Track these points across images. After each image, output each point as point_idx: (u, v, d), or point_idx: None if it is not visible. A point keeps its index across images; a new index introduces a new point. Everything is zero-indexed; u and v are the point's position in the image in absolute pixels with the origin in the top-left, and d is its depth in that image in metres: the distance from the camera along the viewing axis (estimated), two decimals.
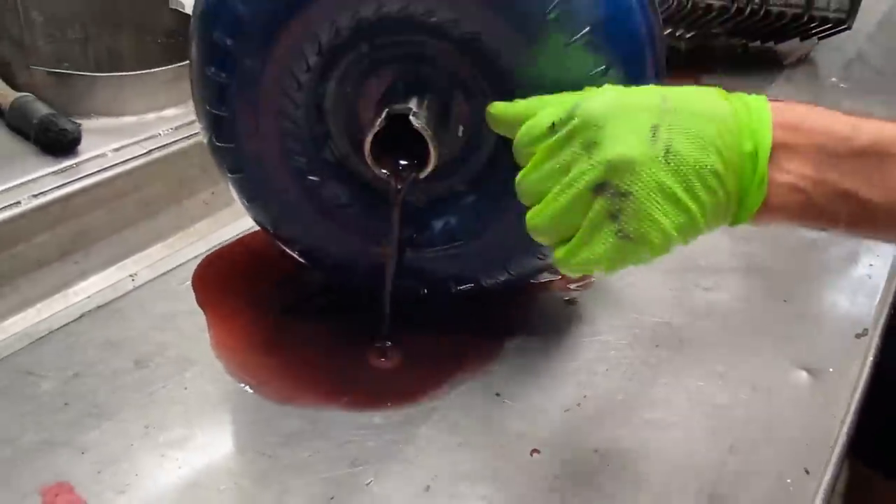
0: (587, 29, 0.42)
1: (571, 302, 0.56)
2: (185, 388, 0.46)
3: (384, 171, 0.45)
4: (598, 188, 0.36)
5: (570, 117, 0.37)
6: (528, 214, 0.39)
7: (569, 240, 0.38)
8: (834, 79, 1.01)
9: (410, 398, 0.47)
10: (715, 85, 0.39)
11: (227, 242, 0.63)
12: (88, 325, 0.52)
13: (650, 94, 0.37)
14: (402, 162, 0.45)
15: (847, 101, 0.95)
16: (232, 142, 0.48)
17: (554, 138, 0.37)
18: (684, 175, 0.36)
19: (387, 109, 0.43)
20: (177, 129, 0.68)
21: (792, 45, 1.06)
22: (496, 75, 0.44)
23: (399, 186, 0.45)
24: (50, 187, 0.59)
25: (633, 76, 0.43)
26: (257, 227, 0.55)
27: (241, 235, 0.64)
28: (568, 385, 0.49)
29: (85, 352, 0.49)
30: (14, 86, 0.67)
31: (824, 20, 0.96)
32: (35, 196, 0.58)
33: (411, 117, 0.43)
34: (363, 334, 0.51)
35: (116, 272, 0.62)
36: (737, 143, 0.36)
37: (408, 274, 0.50)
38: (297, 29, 0.44)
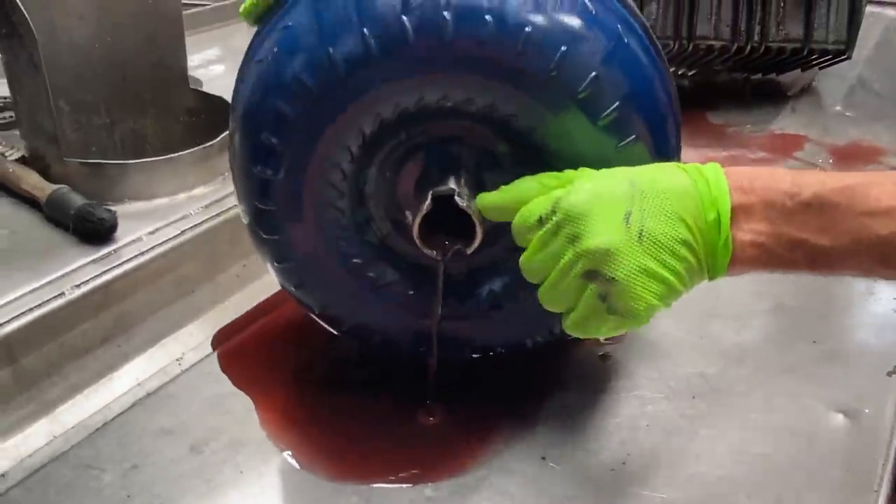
0: (615, 105, 0.44)
1: (606, 357, 0.58)
2: (241, 472, 0.48)
3: (433, 250, 0.47)
4: (588, 275, 0.41)
5: (553, 212, 0.42)
6: (538, 292, 0.44)
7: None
8: (838, 107, 1.03)
9: (459, 467, 0.48)
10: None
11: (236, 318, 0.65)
12: (141, 414, 0.53)
13: (620, 182, 0.42)
14: (450, 241, 0.47)
15: (853, 129, 0.97)
16: (277, 234, 0.50)
17: (543, 230, 0.43)
18: (658, 251, 0.41)
19: (431, 192, 0.45)
20: (206, 207, 0.71)
21: (794, 76, 1.09)
22: (529, 151, 0.46)
23: (443, 260, 0.47)
24: (91, 276, 0.61)
25: (659, 142, 0.46)
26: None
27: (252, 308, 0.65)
28: (611, 443, 0.50)
29: (141, 441, 0.50)
30: (49, 177, 0.70)
31: (824, 52, 0.99)
32: (77, 286, 0.60)
33: (456, 198, 0.45)
34: (407, 404, 0.52)
35: (158, 352, 0.63)
36: (701, 212, 0.41)
37: (454, 342, 0.52)
38: (342, 124, 0.46)
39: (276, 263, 0.52)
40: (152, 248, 0.65)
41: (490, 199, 0.46)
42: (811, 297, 0.64)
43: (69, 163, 0.70)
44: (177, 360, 0.61)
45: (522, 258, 0.44)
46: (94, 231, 0.64)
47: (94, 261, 0.62)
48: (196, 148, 0.73)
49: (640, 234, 0.40)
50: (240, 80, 0.49)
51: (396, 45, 0.43)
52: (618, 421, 0.52)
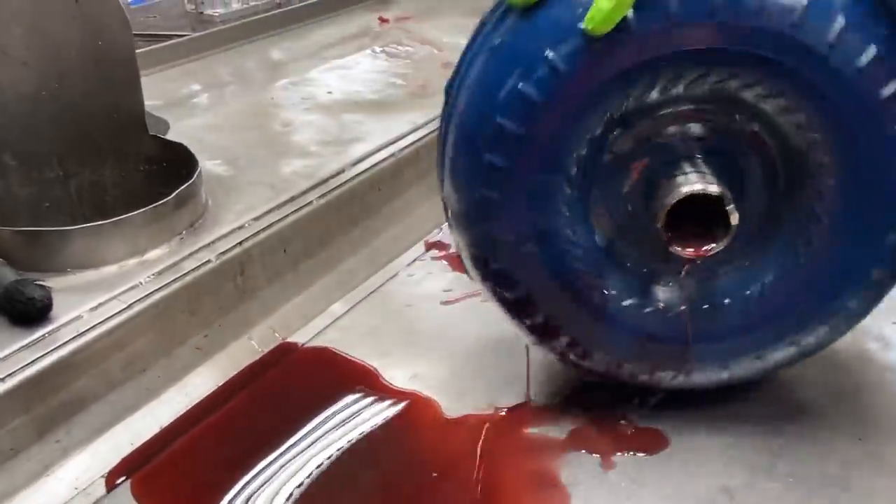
0: None
1: None
2: None
3: (684, 248, 0.46)
4: None
5: None
6: None
7: None
8: None
9: None
10: None
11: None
12: None
13: None
14: (706, 244, 0.46)
15: None
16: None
17: None
18: None
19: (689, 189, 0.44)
20: (160, 273, 0.64)
21: None
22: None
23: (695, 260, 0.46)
24: (21, 365, 0.54)
25: None
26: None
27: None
28: None
29: None
30: None
31: None
32: (3, 378, 0.53)
33: (708, 186, 0.44)
34: None
35: (103, 445, 0.56)
36: None
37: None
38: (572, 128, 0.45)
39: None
40: (94, 326, 0.58)
41: None
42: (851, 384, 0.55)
43: (2, 231, 0.63)
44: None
45: None
46: (25, 312, 0.57)
47: (26, 346, 0.55)
48: (147, 207, 0.66)
49: None
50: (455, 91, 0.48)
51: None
52: None
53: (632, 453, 0.51)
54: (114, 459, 0.55)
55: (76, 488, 0.53)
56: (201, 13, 1.29)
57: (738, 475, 0.49)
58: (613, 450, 0.51)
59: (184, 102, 1.01)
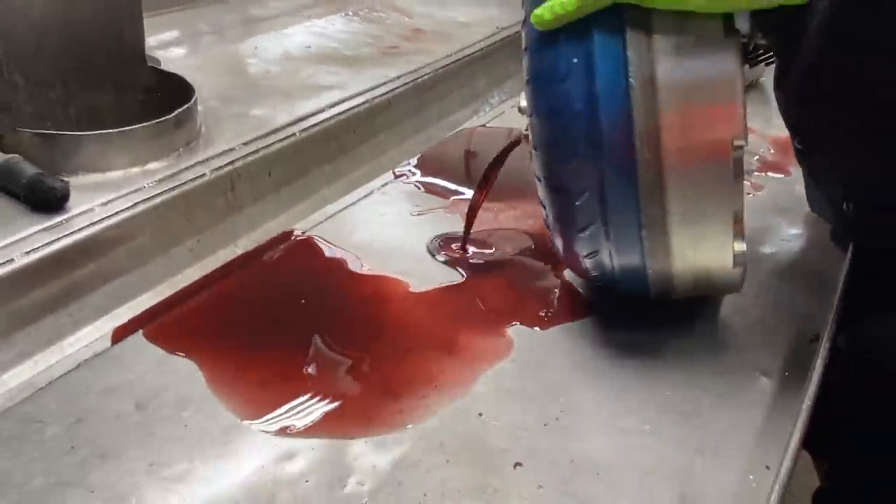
0: None
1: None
2: (185, 426, 0.49)
3: None
4: None
5: None
6: None
7: None
8: None
9: (396, 423, 0.50)
10: None
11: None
12: (87, 373, 0.54)
13: None
14: None
15: None
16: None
17: None
18: None
19: None
20: (160, 181, 0.71)
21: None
22: None
23: None
24: (41, 244, 0.61)
25: None
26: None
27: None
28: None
29: (86, 398, 0.51)
30: (1, 148, 0.70)
31: (767, 48, 1.02)
32: (27, 253, 0.60)
33: None
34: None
35: (109, 322, 0.64)
36: None
37: None
38: None
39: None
40: (105, 218, 0.65)
41: None
42: None
43: (22, 133, 0.70)
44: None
45: None
46: (46, 200, 0.64)
47: (44, 229, 0.62)
48: (150, 122, 0.74)
49: None
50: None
51: None
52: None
53: None
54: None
55: (86, 346, 0.61)
56: None
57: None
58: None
59: (169, 47, 1.09)
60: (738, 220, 0.51)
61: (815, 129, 0.60)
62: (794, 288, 0.66)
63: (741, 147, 0.48)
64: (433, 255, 0.71)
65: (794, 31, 0.52)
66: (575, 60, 0.48)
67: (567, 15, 0.49)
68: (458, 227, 0.73)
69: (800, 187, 0.79)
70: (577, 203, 0.51)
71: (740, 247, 0.52)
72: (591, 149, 0.49)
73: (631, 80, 0.47)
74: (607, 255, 0.53)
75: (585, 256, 0.54)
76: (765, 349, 0.58)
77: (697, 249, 0.51)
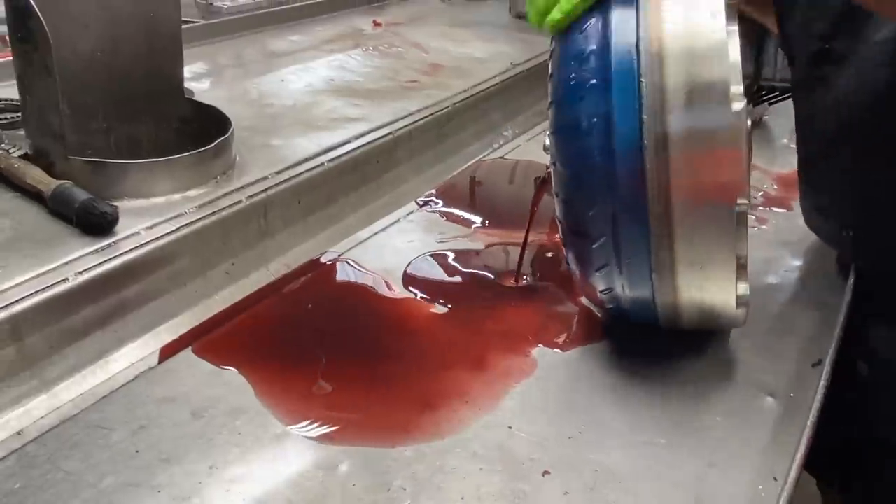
0: None
1: None
2: (239, 434, 0.53)
3: None
4: None
5: None
6: None
7: None
8: (785, 140, 1.12)
9: (433, 434, 0.54)
10: None
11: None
12: (144, 385, 0.58)
13: None
14: None
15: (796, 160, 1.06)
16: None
17: None
18: None
19: None
20: (200, 207, 0.76)
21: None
22: None
23: None
24: (92, 265, 0.65)
25: None
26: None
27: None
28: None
29: (146, 407, 0.55)
30: (52, 174, 0.74)
31: (772, 89, 1.07)
32: (80, 273, 0.64)
33: None
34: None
35: (152, 339, 0.68)
36: None
37: None
38: None
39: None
40: (149, 241, 0.69)
41: None
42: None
43: (73, 160, 0.75)
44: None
45: None
46: (97, 224, 0.69)
47: (95, 251, 0.67)
48: (192, 152, 0.78)
49: None
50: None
51: None
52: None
53: None
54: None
55: (131, 363, 0.64)
56: (211, 3, 1.42)
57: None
58: None
59: (199, 79, 1.14)
60: (741, 266, 0.55)
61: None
62: (797, 315, 0.71)
63: (745, 205, 0.52)
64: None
65: None
66: (595, 120, 0.53)
67: (574, 9, 0.54)
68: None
69: (802, 222, 0.83)
70: (594, 246, 0.55)
71: (744, 289, 0.56)
72: (608, 199, 0.53)
73: (645, 140, 0.51)
74: (621, 289, 0.58)
75: (601, 292, 0.59)
76: (772, 371, 0.62)
77: (704, 291, 0.56)
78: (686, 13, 0.51)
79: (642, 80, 0.52)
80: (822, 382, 0.59)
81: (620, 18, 0.53)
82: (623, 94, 0.52)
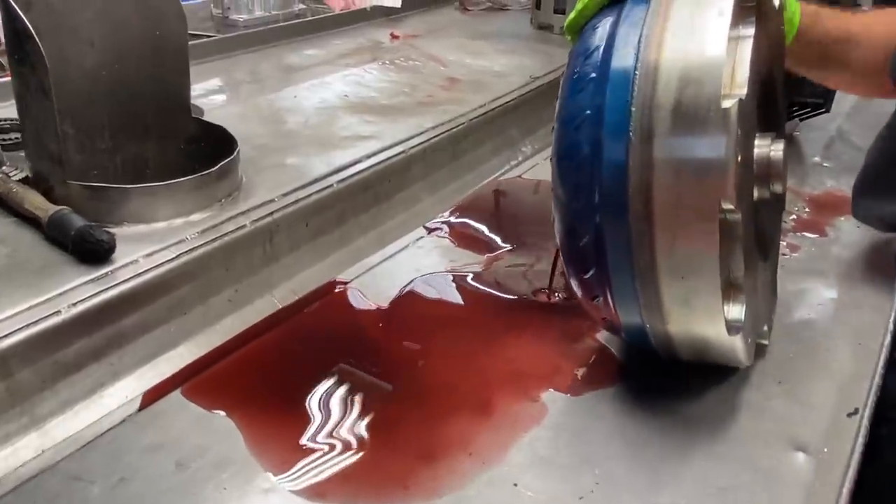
0: None
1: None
2: (224, 489, 0.49)
3: None
4: None
5: None
6: None
7: None
8: (817, 158, 1.06)
9: (431, 491, 0.51)
10: None
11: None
12: (131, 430, 0.55)
13: None
14: None
15: (829, 179, 1.00)
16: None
17: None
18: None
19: None
20: (203, 232, 0.73)
21: None
22: None
23: None
24: (87, 295, 0.63)
25: None
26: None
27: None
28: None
29: (129, 456, 0.52)
30: (51, 198, 0.72)
31: (803, 105, 1.03)
32: (73, 305, 0.62)
33: None
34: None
35: (149, 371, 0.65)
36: None
37: None
38: None
39: None
40: (148, 270, 0.67)
41: None
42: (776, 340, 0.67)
43: (71, 185, 0.72)
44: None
45: None
46: (93, 252, 0.66)
47: (91, 280, 0.64)
48: (195, 175, 0.76)
49: None
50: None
51: None
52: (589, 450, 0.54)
53: None
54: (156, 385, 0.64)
55: (126, 397, 0.62)
56: (227, 17, 1.40)
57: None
58: None
59: (211, 95, 1.12)
60: (733, 285, 0.52)
61: None
62: (832, 355, 0.66)
63: (731, 211, 0.49)
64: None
65: None
66: (588, 112, 0.53)
67: (585, 8, 0.57)
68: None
69: (837, 249, 0.79)
70: (580, 244, 0.54)
71: (735, 313, 0.52)
72: (592, 191, 0.52)
73: (630, 132, 0.50)
74: (609, 298, 0.55)
75: (591, 299, 0.56)
76: (802, 421, 0.57)
77: (689, 307, 0.52)
78: (692, 12, 0.52)
79: (636, 73, 0.51)
80: (860, 437, 0.54)
81: (630, 15, 0.54)
82: (616, 88, 0.52)
